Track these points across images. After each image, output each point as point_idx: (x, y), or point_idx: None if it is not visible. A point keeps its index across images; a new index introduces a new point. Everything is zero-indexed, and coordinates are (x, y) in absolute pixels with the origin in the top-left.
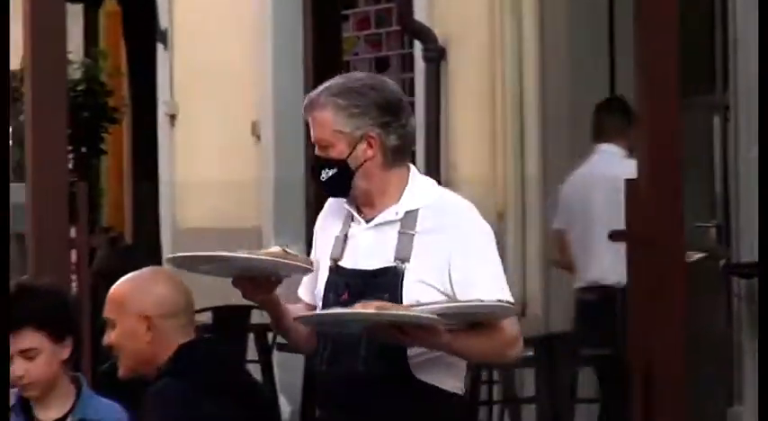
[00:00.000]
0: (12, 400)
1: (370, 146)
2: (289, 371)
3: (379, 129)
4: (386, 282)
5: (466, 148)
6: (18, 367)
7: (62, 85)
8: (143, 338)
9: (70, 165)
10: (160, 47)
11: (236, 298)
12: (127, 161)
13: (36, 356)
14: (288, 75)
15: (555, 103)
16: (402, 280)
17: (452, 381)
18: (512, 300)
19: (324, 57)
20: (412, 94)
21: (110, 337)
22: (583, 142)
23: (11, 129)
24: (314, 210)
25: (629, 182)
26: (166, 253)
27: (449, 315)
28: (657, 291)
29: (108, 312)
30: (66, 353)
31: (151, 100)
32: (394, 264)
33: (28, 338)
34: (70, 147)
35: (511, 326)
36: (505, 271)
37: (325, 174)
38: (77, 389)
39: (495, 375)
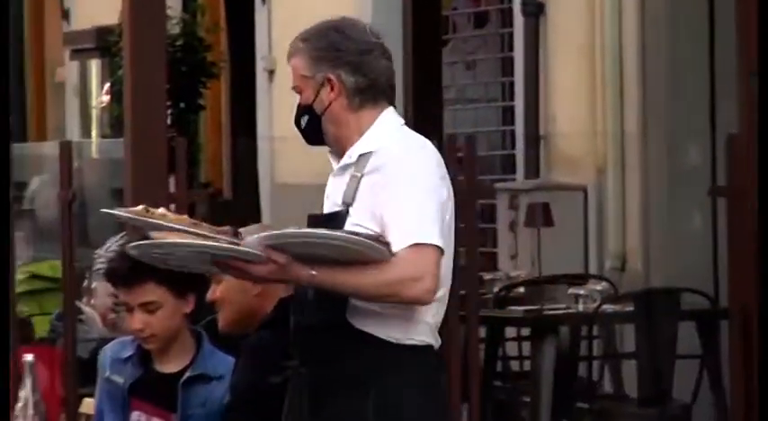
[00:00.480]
0: (129, 351)
1: (332, 88)
2: None
3: (339, 70)
4: (334, 227)
5: (565, 103)
6: (137, 320)
7: (161, 41)
8: (251, 291)
9: (168, 121)
10: (258, 2)
11: None
12: (225, 116)
13: (157, 310)
14: (386, 29)
15: (654, 57)
16: (344, 224)
17: (390, 331)
18: (429, 240)
19: (423, 11)
20: (511, 49)
21: (215, 293)
22: (683, 97)
23: (109, 84)
24: None
25: (731, 136)
26: (265, 208)
27: (294, 244)
28: (756, 242)
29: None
30: (188, 307)
31: (249, 55)
32: (340, 209)
33: (149, 292)
34: (168, 103)
35: (408, 263)
36: (605, 225)
37: (303, 121)
38: (198, 344)
39: (596, 330)
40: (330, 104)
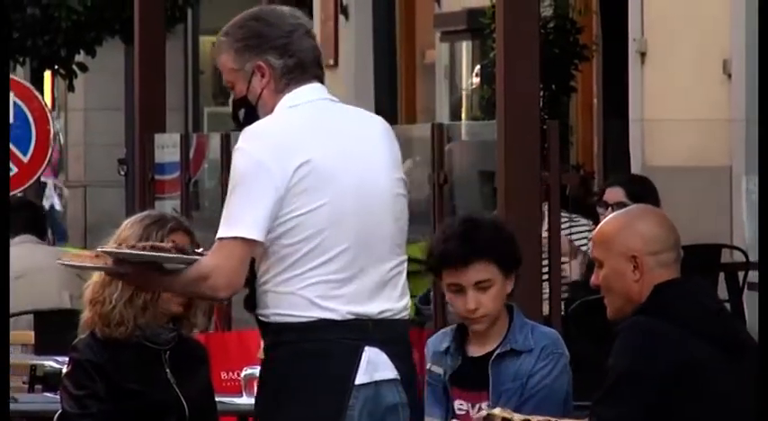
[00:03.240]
0: (447, 342)
1: (263, 75)
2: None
3: (267, 55)
4: None
5: None
6: (471, 299)
7: (534, 23)
8: (630, 277)
9: (540, 103)
10: None
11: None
12: (596, 99)
13: (488, 288)
14: None
15: None
16: None
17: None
18: (227, 234)
19: None
20: None
21: (597, 277)
22: None
23: (479, 66)
24: None
25: None
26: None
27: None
28: None
29: (594, 252)
30: (509, 286)
31: (621, 37)
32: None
33: (483, 270)
34: (540, 85)
35: (200, 263)
36: None
37: (241, 115)
38: (510, 320)
39: None
40: (262, 91)
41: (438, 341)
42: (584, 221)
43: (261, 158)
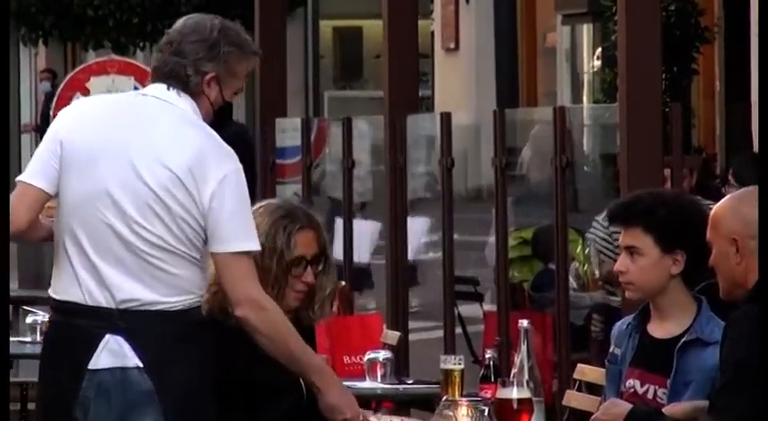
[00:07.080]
0: (627, 322)
1: None
2: None
3: None
4: None
5: None
6: (620, 261)
7: (656, 5)
8: (733, 260)
9: (662, 86)
10: None
11: None
12: (718, 81)
13: (638, 256)
14: None
15: None
16: None
17: None
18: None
19: None
20: None
21: (714, 258)
22: None
23: (600, 50)
24: None
25: None
26: None
27: None
28: None
29: (708, 234)
30: (675, 267)
31: (743, 19)
32: None
33: (635, 236)
34: (662, 68)
35: None
36: None
37: None
38: (698, 309)
39: None
40: None
41: (623, 322)
42: (706, 203)
43: (56, 122)
